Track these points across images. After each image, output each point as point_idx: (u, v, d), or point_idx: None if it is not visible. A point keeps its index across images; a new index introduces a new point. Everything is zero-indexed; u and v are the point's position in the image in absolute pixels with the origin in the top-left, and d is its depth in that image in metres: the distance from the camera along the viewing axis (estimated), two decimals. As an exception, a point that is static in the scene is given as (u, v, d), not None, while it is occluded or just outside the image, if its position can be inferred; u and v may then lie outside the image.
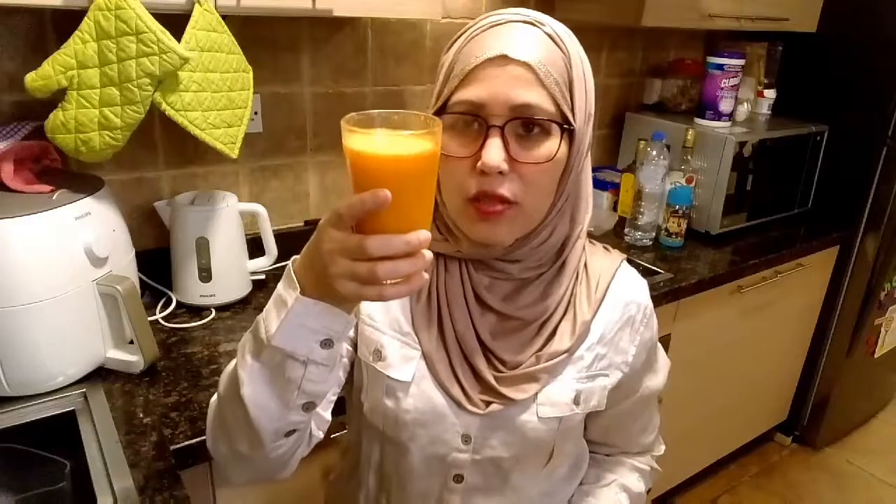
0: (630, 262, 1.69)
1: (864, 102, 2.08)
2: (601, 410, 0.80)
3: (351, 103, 1.57)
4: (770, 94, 2.15)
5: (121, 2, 0.98)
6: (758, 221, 2.01)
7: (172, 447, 0.91)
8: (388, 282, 0.54)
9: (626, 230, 1.84)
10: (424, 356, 0.73)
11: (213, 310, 1.31)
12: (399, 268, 0.53)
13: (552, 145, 0.65)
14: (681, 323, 1.71)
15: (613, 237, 1.87)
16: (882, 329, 2.33)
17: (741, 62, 1.89)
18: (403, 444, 0.76)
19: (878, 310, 2.26)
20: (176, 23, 1.05)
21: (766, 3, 1.86)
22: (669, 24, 1.74)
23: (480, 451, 0.75)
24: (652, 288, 1.55)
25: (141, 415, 0.98)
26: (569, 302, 0.76)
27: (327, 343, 0.60)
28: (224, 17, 1.14)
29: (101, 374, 1.06)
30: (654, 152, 1.75)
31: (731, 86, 1.89)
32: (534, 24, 0.67)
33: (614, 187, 1.93)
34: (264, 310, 0.62)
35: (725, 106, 1.91)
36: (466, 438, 0.74)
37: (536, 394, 0.73)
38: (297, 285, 0.58)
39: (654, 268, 1.68)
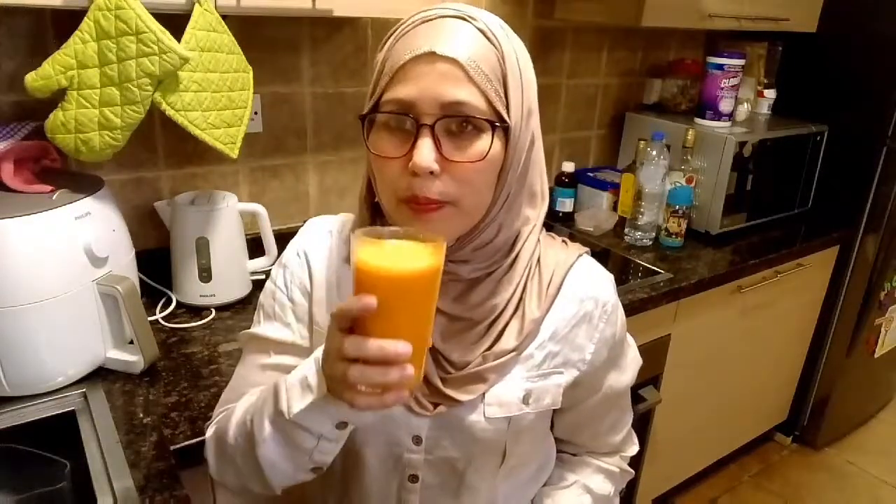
0: (630, 261, 1.72)
1: (864, 102, 2.07)
2: (563, 408, 0.79)
3: (351, 103, 1.57)
4: (770, 94, 2.14)
5: (121, 2, 0.98)
6: (758, 221, 2.01)
7: (172, 447, 0.91)
8: (362, 388, 0.55)
9: (626, 230, 1.84)
10: None
11: (213, 310, 1.31)
12: (368, 373, 0.54)
13: (485, 143, 0.63)
14: (681, 323, 1.71)
15: (613, 237, 1.87)
16: (882, 329, 2.33)
17: (741, 62, 1.88)
18: (357, 447, 0.76)
19: (878, 310, 2.26)
20: (176, 23, 1.05)
21: (766, 3, 1.86)
22: (669, 24, 1.74)
23: (433, 452, 0.75)
24: (652, 288, 1.56)
25: (141, 415, 0.98)
26: (520, 299, 0.74)
27: (342, 425, 0.64)
28: (224, 17, 1.14)
29: (101, 374, 1.06)
30: (654, 152, 1.75)
31: (731, 86, 1.89)
32: (465, 19, 0.65)
33: (614, 187, 1.93)
34: (287, 382, 0.65)
35: (725, 106, 1.90)
36: (417, 440, 0.74)
37: (484, 394, 0.73)
38: (324, 381, 0.61)
39: (654, 268, 1.68)
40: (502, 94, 0.65)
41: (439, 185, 0.63)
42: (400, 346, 0.54)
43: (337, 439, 0.65)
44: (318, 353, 0.63)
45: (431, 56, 0.62)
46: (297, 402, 0.63)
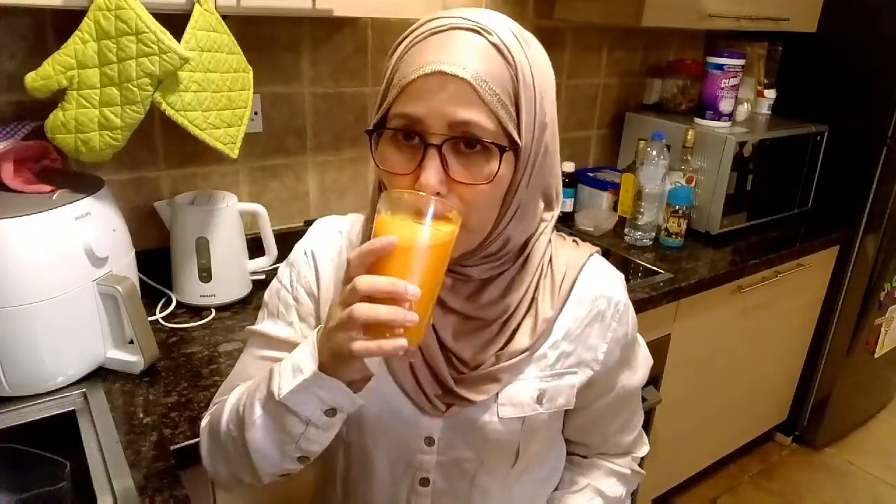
0: (630, 261, 1.72)
1: (864, 102, 2.07)
2: (575, 409, 0.78)
3: (351, 103, 1.57)
4: (770, 94, 2.15)
5: (121, 2, 0.98)
6: (758, 221, 2.01)
7: (172, 447, 0.91)
8: (360, 337, 0.56)
9: (626, 230, 1.84)
10: (385, 360, 0.72)
11: (213, 310, 1.31)
12: (375, 307, 0.55)
13: (493, 165, 0.62)
14: (681, 323, 1.71)
15: (613, 237, 1.87)
16: (882, 329, 2.33)
17: (741, 62, 1.88)
18: (368, 450, 0.76)
19: (878, 310, 2.26)
20: (176, 23, 1.05)
21: (766, 3, 1.86)
22: (669, 24, 1.74)
23: (445, 453, 0.75)
24: (652, 288, 1.56)
25: (141, 415, 0.98)
26: (532, 298, 0.74)
27: (331, 412, 0.64)
28: (224, 17, 1.14)
29: (101, 374, 1.06)
30: (654, 152, 1.75)
31: (731, 86, 1.89)
32: (478, 32, 0.62)
33: (614, 187, 1.93)
34: (282, 366, 0.65)
35: (725, 106, 1.91)
36: (429, 440, 0.74)
37: (497, 394, 0.72)
38: (317, 358, 0.62)
39: (654, 268, 1.68)
40: (514, 114, 0.63)
41: None
42: (410, 287, 0.55)
43: (325, 427, 0.65)
44: (313, 336, 0.64)
45: (440, 74, 0.60)
46: (287, 382, 0.63)
